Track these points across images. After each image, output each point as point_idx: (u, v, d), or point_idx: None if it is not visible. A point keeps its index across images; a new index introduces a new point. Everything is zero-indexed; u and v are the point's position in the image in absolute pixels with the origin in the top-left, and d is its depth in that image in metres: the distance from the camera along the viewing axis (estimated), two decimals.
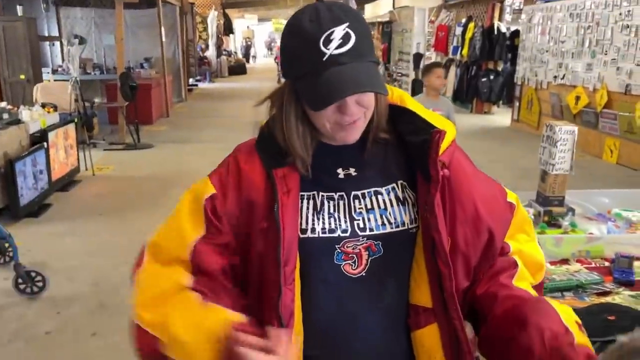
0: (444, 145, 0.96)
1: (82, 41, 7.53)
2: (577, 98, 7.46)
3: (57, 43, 11.53)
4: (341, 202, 0.98)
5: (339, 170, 1.01)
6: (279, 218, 0.92)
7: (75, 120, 6.00)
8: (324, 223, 0.96)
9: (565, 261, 1.90)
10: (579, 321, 0.91)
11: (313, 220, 0.96)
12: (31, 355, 2.85)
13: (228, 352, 0.85)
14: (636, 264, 1.83)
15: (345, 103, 0.91)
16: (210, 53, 19.04)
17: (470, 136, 8.33)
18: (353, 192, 0.99)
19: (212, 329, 0.88)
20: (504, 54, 10.21)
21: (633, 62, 6.43)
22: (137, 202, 5.36)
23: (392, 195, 0.99)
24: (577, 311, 1.37)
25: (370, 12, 16.92)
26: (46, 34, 11.45)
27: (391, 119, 1.02)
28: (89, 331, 3.06)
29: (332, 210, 0.97)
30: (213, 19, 18.84)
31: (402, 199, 0.99)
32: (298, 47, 0.90)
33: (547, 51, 8.40)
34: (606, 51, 6.93)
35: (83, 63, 10.11)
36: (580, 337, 0.88)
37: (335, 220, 0.96)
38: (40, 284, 3.43)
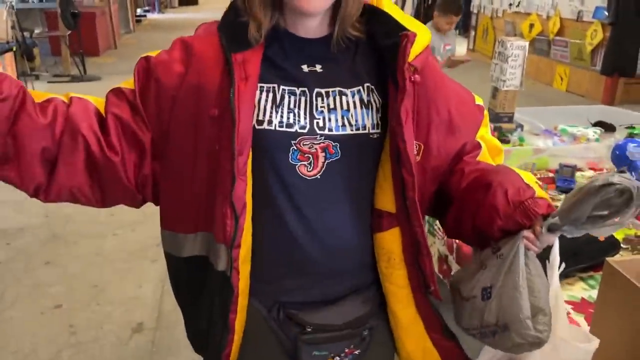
0: (415, 49, 0.91)
1: None
2: (531, 26, 7.52)
3: None
4: (302, 98, 0.93)
5: (304, 66, 0.95)
6: (235, 105, 0.87)
7: (14, 48, 5.63)
8: (282, 117, 0.92)
9: None
10: (540, 183, 0.96)
11: (271, 112, 0.92)
12: None
13: None
14: (578, 174, 1.91)
15: None
16: None
17: None
18: (316, 89, 0.94)
19: None
20: None
21: None
22: None
23: (356, 97, 0.95)
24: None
25: None
26: None
27: (365, 19, 0.97)
28: (41, 260, 3.02)
29: (292, 106, 0.93)
30: None
31: (366, 102, 0.95)
32: None
33: None
34: None
35: None
36: (541, 192, 0.92)
37: (294, 115, 0.92)
38: None
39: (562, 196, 1.75)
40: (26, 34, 7.07)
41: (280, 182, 0.93)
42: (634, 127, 2.24)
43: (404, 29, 0.93)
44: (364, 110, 0.95)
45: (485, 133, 1.09)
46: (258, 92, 0.92)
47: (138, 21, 13.62)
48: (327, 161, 0.94)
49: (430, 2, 9.78)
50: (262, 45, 0.93)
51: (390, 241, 0.99)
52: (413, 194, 0.93)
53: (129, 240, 3.23)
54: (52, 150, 0.91)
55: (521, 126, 2.33)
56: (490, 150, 1.07)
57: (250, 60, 0.91)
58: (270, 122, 0.91)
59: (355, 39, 0.97)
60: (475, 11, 9.33)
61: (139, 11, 14.33)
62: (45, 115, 0.90)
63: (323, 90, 0.94)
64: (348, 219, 0.98)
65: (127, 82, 0.97)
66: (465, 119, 1.02)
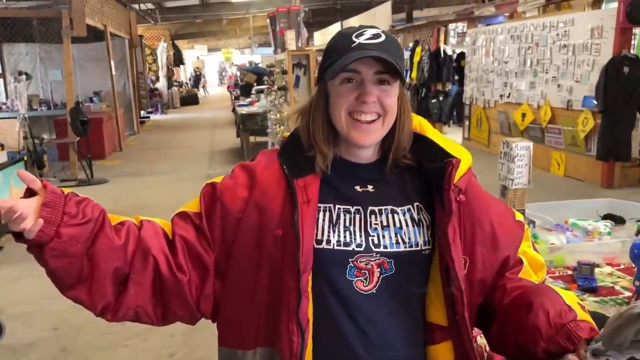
0: (459, 172, 1.00)
1: (27, 77, 7.33)
2: (523, 115, 7.80)
3: (1, 80, 11.16)
4: (357, 216, 1.00)
5: (357, 187, 1.04)
6: (299, 226, 0.94)
7: (25, 158, 5.80)
8: (339, 235, 0.98)
9: None
10: (581, 303, 0.99)
11: (329, 232, 0.99)
12: None
13: None
14: (597, 270, 1.92)
15: (365, 89, 0.97)
16: (161, 84, 18.85)
17: None
18: (370, 207, 1.02)
19: None
20: (451, 76, 10.56)
21: (572, 79, 6.78)
22: None
23: (407, 215, 1.02)
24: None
25: (319, 40, 17.24)
26: None
27: (412, 145, 1.06)
28: None
29: (347, 224, 1.00)
30: (162, 50, 18.72)
31: (417, 220, 1.02)
32: (334, 42, 1.00)
33: (492, 71, 8.76)
34: (547, 70, 7.29)
35: (29, 99, 9.81)
36: (582, 314, 0.95)
37: (350, 233, 0.99)
38: None
39: (586, 296, 1.75)
40: (36, 141, 7.31)
41: (338, 297, 0.98)
42: None
43: (448, 154, 1.02)
44: (415, 228, 1.01)
45: (527, 248, 1.13)
46: (316, 211, 0.99)
47: (142, 122, 14.07)
48: (382, 276, 0.99)
49: None
50: (321, 172, 1.02)
51: (442, 354, 1.03)
52: (462, 309, 0.98)
53: (141, 350, 3.15)
54: (124, 270, 0.96)
55: (533, 222, 2.37)
56: (532, 265, 1.11)
57: (311, 184, 0.99)
58: (328, 242, 0.98)
59: (405, 165, 1.06)
60: (467, 102, 9.70)
61: (142, 113, 14.85)
62: (119, 236, 0.96)
63: (376, 209, 1.02)
64: (402, 331, 1.01)
65: (191, 205, 1.04)
66: (506, 234, 1.08)
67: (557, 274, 1.93)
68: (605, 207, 2.58)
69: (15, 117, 6.84)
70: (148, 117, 15.83)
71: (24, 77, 6.76)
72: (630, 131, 6.02)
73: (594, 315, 1.52)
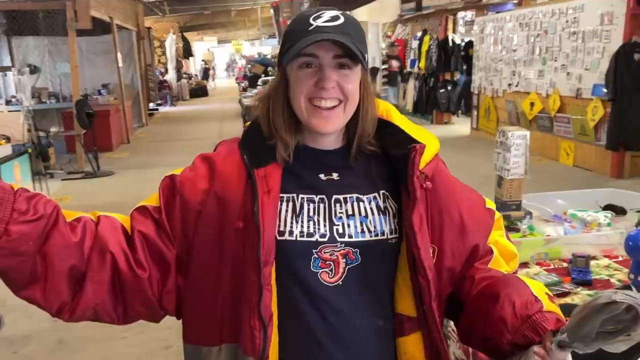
0: (425, 158, 0.98)
1: (35, 70, 7.37)
2: (532, 104, 7.68)
3: (10, 73, 11.23)
4: (321, 206, 0.97)
5: (321, 175, 1.00)
6: (259, 218, 0.91)
7: (29, 150, 5.82)
8: (302, 226, 0.95)
9: (524, 264, 1.91)
10: (550, 293, 0.97)
11: (292, 223, 0.95)
12: None
13: None
14: (593, 263, 1.86)
15: (323, 75, 0.93)
16: (170, 77, 18.89)
17: None
18: (334, 196, 0.98)
19: None
20: (459, 65, 10.45)
21: (582, 67, 6.65)
22: None
23: (373, 203, 0.99)
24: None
25: None
26: None
27: (378, 132, 1.03)
28: None
29: (311, 214, 0.96)
30: (171, 42, 18.74)
31: (383, 208, 0.99)
32: (292, 25, 0.97)
33: (500, 60, 8.63)
34: (556, 58, 7.16)
35: (38, 92, 9.87)
36: (549, 305, 0.93)
37: (314, 223, 0.96)
38: None
39: (579, 289, 1.70)
40: (42, 133, 7.35)
41: (304, 290, 0.95)
42: None
43: (413, 140, 0.99)
44: (382, 216, 0.98)
45: (498, 237, 1.11)
46: (278, 202, 0.96)
47: (150, 114, 14.11)
48: (347, 267, 0.96)
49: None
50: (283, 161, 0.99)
51: (412, 346, 1.01)
52: (429, 299, 0.96)
53: (137, 343, 3.14)
54: (81, 268, 0.92)
55: (530, 213, 2.31)
56: (504, 255, 1.09)
57: (272, 174, 0.96)
58: (291, 233, 0.95)
59: (370, 152, 1.03)
60: (476, 92, 9.58)
61: (152, 105, 14.89)
62: (75, 233, 0.93)
63: (341, 197, 0.98)
64: (371, 323, 0.99)
65: (150, 200, 1.01)
66: (476, 222, 1.05)
67: (552, 267, 1.88)
68: (607, 197, 2.51)
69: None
70: (157, 109, 15.88)
71: (27, 70, 6.77)
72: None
73: (568, 307, 1.47)
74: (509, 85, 8.38)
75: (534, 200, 2.45)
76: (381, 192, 1.00)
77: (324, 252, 0.95)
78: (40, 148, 6.28)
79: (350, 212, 0.97)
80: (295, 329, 0.96)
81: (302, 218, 0.96)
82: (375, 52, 11.23)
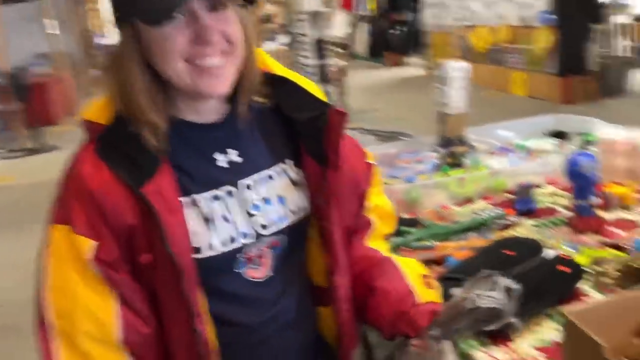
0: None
1: None
2: (481, 38, 7.60)
3: None
4: (231, 200, 0.82)
5: (218, 156, 0.83)
6: (170, 247, 0.74)
7: None
8: (219, 234, 0.80)
9: (470, 200, 1.86)
10: (426, 272, 0.94)
11: (205, 233, 0.79)
12: None
13: None
14: (538, 191, 1.80)
15: (201, 25, 0.73)
16: (112, 40, 18.05)
17: (388, 89, 8.35)
18: (241, 181, 0.83)
19: None
20: (409, 3, 10.24)
21: None
22: (41, 212, 4.97)
23: (284, 177, 0.86)
24: (476, 252, 1.32)
25: None
26: None
27: (270, 89, 0.88)
28: None
29: (224, 213, 0.81)
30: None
31: (295, 180, 0.87)
32: None
33: None
34: None
35: None
36: (424, 294, 0.89)
37: (232, 225, 0.81)
38: None
39: (523, 220, 1.65)
40: None
41: (229, 295, 0.85)
42: (588, 134, 2.16)
43: (322, 103, 0.86)
44: (297, 190, 0.87)
45: (376, 197, 1.01)
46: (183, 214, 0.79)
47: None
48: (274, 256, 0.87)
49: None
50: (165, 155, 0.79)
51: (328, 317, 0.95)
52: (336, 270, 0.89)
53: None
54: None
55: (472, 147, 2.23)
56: (383, 218, 1.01)
57: (164, 181, 0.76)
58: (211, 247, 0.79)
59: (260, 107, 0.87)
60: (426, 30, 9.44)
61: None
62: None
63: (250, 180, 0.83)
64: (301, 302, 0.93)
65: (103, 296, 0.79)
66: (363, 178, 0.98)
67: (495, 202, 1.82)
68: (555, 123, 2.46)
69: None
70: None
71: None
72: (585, 44, 5.91)
73: (524, 242, 1.42)
74: (458, 20, 8.26)
75: (481, 134, 2.37)
76: (286, 160, 0.88)
77: (250, 252, 0.83)
78: None
79: (265, 195, 0.84)
80: (235, 333, 0.87)
81: (215, 223, 0.80)
82: None
